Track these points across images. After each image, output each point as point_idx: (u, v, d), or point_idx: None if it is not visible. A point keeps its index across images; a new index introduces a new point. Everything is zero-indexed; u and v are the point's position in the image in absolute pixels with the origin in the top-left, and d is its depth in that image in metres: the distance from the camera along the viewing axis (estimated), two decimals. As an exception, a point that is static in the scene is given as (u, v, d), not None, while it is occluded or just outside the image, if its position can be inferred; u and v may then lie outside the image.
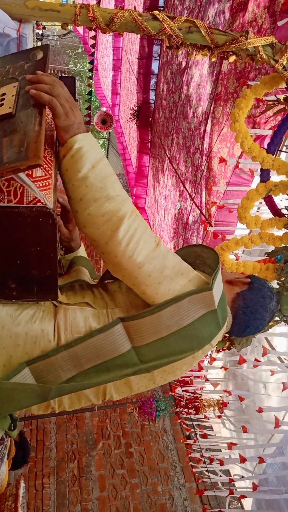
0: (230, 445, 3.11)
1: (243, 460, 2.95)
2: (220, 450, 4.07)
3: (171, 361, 0.99)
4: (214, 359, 3.65)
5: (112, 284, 1.08)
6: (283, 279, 2.06)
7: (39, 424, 4.83)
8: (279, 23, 2.61)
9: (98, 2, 7.95)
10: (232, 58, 1.66)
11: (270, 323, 2.27)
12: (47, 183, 0.86)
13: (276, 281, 2.16)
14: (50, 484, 4.36)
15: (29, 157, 0.79)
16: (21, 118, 0.88)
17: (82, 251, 1.34)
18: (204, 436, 3.95)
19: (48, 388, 0.94)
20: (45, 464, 4.50)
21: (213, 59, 1.72)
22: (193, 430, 4.27)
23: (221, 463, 3.44)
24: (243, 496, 2.90)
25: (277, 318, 2.25)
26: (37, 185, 0.84)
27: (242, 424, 3.52)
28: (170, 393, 4.25)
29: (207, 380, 4.06)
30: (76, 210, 0.91)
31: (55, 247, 0.88)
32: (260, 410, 2.98)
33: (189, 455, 4.11)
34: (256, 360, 3.01)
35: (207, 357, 3.79)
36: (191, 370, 4.05)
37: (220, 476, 3.88)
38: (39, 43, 14.31)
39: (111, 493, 4.34)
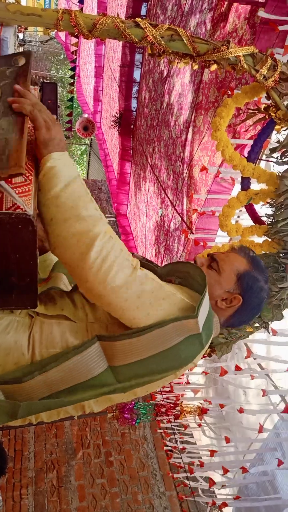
0: (212, 452, 3.11)
1: (225, 471, 2.95)
2: (200, 458, 4.07)
3: (150, 381, 0.96)
4: (195, 365, 3.65)
5: None
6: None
7: (17, 433, 4.73)
8: (259, 13, 2.65)
9: (80, 10, 7.97)
10: (214, 67, 1.68)
11: (250, 329, 2.29)
12: (26, 189, 0.85)
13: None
14: (29, 495, 4.27)
15: (10, 166, 0.78)
16: (2, 125, 0.87)
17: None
18: (183, 449, 3.94)
19: (18, 405, 0.89)
20: (23, 474, 4.41)
21: (195, 67, 1.74)
22: (173, 436, 4.26)
23: (201, 464, 3.43)
24: (225, 505, 2.89)
25: (257, 325, 2.27)
26: (17, 191, 0.83)
27: (222, 430, 3.53)
28: (151, 401, 4.23)
29: (188, 383, 4.05)
30: (47, 230, 0.88)
31: (35, 254, 0.87)
32: (241, 410, 2.99)
33: (169, 460, 4.09)
34: (237, 366, 3.03)
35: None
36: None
37: (200, 484, 3.88)
38: (20, 49, 14.24)
39: (91, 503, 4.27)
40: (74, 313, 0.99)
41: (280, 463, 2.72)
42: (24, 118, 0.89)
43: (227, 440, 3.06)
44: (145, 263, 1.11)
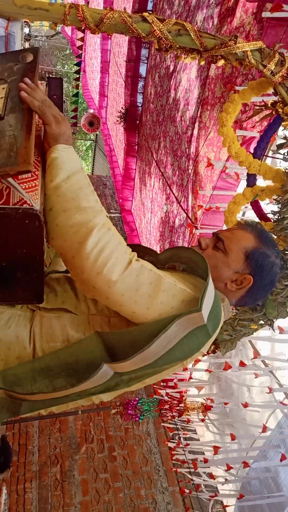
0: (216, 449, 3.11)
1: (229, 468, 2.96)
2: (203, 453, 4.08)
3: (157, 372, 0.94)
4: (199, 360, 3.65)
5: None
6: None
7: (21, 428, 4.77)
8: (264, 14, 2.63)
9: (87, 3, 7.95)
10: (221, 62, 1.66)
11: (255, 326, 2.29)
12: (33, 185, 0.85)
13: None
14: (32, 489, 4.30)
15: (19, 163, 0.78)
16: (10, 121, 0.87)
17: None
18: (187, 445, 3.95)
19: (19, 403, 0.90)
20: (27, 468, 4.44)
21: (202, 63, 1.73)
22: (176, 432, 4.27)
23: (205, 460, 3.44)
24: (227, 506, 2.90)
25: (261, 322, 2.26)
26: (23, 187, 0.83)
27: (225, 427, 3.54)
28: (155, 396, 4.24)
29: (191, 378, 4.05)
30: (46, 220, 0.87)
31: (42, 249, 0.87)
32: (245, 405, 2.99)
33: (173, 457, 4.10)
34: (241, 362, 3.02)
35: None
36: (175, 373, 4.05)
37: (204, 480, 3.89)
38: (26, 44, 14.22)
39: (94, 498, 4.30)
40: (76, 305, 0.97)
41: (283, 457, 2.72)
42: (32, 115, 0.89)
43: (233, 437, 3.06)
44: (144, 251, 1.11)
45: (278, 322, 2.28)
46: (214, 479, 3.20)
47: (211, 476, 3.19)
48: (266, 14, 2.66)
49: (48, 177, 0.88)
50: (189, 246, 1.14)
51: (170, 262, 1.10)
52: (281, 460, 2.73)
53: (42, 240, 0.86)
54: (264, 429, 2.67)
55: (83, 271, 0.84)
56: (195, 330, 0.91)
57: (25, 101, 0.90)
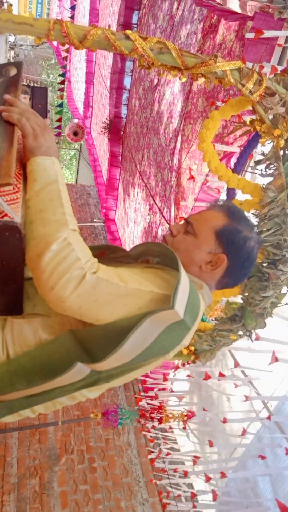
0: (195, 461, 3.13)
1: (208, 479, 2.97)
2: (183, 463, 4.08)
3: (135, 367, 0.94)
4: (178, 367, 3.67)
5: None
6: (247, 294, 2.12)
7: (0, 439, 4.69)
8: (247, 35, 2.72)
9: (72, 16, 7.99)
10: (201, 80, 1.72)
11: (234, 337, 2.33)
12: (15, 197, 0.87)
13: (240, 296, 2.22)
14: (10, 502, 4.22)
15: (0, 175, 0.79)
16: None
17: None
18: (168, 454, 3.95)
19: None
20: (5, 480, 4.37)
21: (183, 80, 1.78)
22: (156, 441, 4.27)
23: (185, 474, 3.45)
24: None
25: (240, 333, 2.30)
26: (5, 199, 0.84)
27: (206, 436, 3.55)
28: (136, 406, 4.24)
29: (172, 391, 4.07)
30: None
31: (22, 262, 0.88)
32: (224, 421, 3.02)
33: (154, 467, 4.09)
34: (220, 373, 3.06)
35: (172, 369, 3.82)
36: (156, 384, 4.06)
37: (184, 491, 3.88)
38: (11, 52, 14.22)
39: (73, 510, 4.25)
40: (48, 308, 0.94)
41: (262, 457, 2.74)
42: (14, 128, 0.91)
43: (211, 444, 3.08)
44: (114, 249, 1.11)
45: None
46: (194, 496, 3.21)
47: (192, 494, 3.21)
48: (249, 35, 2.75)
49: (26, 190, 0.90)
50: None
51: (142, 256, 1.10)
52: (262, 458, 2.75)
53: (23, 252, 0.87)
54: (244, 432, 2.70)
55: (39, 284, 0.84)
56: (173, 326, 0.90)
57: (5, 118, 0.91)
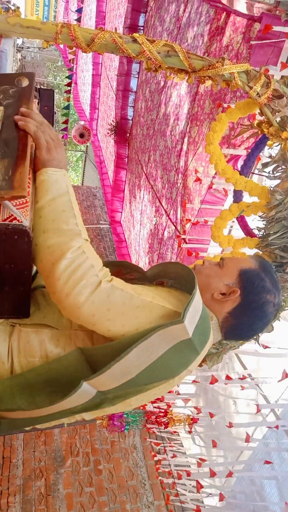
0: (200, 464, 3.11)
1: (213, 474, 2.95)
2: (189, 466, 4.06)
3: (142, 390, 0.93)
4: (191, 372, 3.66)
5: None
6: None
7: (6, 440, 4.70)
8: (253, 42, 2.72)
9: (79, 18, 8.03)
10: (209, 83, 1.71)
11: (240, 342, 2.31)
12: (24, 201, 0.87)
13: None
14: (16, 503, 4.23)
15: (15, 187, 0.80)
16: (6, 144, 0.89)
17: None
18: (174, 456, 3.94)
19: None
20: (11, 482, 4.37)
21: (190, 82, 1.78)
22: (162, 444, 4.26)
23: (188, 474, 3.43)
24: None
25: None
26: (14, 203, 0.85)
27: (211, 440, 3.53)
28: (141, 408, 4.23)
29: (178, 394, 4.06)
30: None
31: (30, 264, 0.88)
32: (230, 425, 3.00)
33: (158, 471, 4.08)
34: (227, 376, 3.04)
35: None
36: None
37: (190, 491, 3.87)
38: (19, 54, 14.31)
39: (79, 512, 4.25)
40: (58, 320, 0.97)
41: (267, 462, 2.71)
42: (27, 139, 0.92)
43: (214, 444, 3.07)
44: (131, 267, 1.12)
45: (263, 336, 2.31)
46: (200, 488, 3.18)
47: (197, 483, 3.18)
48: (254, 42, 2.75)
49: (35, 199, 0.90)
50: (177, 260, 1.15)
51: (157, 278, 1.10)
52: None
53: (31, 256, 0.87)
54: (248, 439, 2.68)
55: (54, 292, 0.86)
56: (181, 345, 0.89)
57: (21, 127, 0.92)
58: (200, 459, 3.30)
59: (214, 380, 2.89)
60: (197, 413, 3.46)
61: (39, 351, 0.93)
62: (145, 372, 0.88)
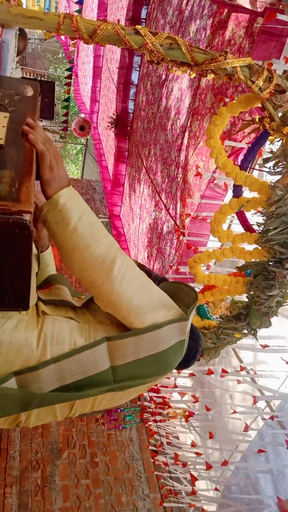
0: (197, 453, 3.13)
1: (209, 467, 2.97)
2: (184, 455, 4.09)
3: (139, 383, 1.05)
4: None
5: (93, 303, 1.12)
6: (252, 293, 2.11)
7: (3, 432, 4.72)
8: (256, 24, 2.69)
9: (80, 10, 7.97)
10: (211, 76, 1.71)
11: (238, 335, 2.32)
12: None
13: (245, 295, 2.21)
14: (12, 494, 4.26)
15: (21, 201, 0.80)
16: (11, 154, 0.89)
17: (49, 253, 1.39)
18: (168, 443, 3.96)
19: (34, 394, 0.95)
20: (7, 473, 4.40)
21: (193, 76, 1.77)
22: (158, 435, 4.28)
23: (184, 465, 3.45)
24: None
25: (245, 331, 2.30)
26: None
27: (207, 434, 3.55)
28: (138, 402, 4.25)
29: (175, 386, 4.08)
30: (70, 257, 0.97)
31: (30, 258, 0.88)
32: (234, 412, 3.02)
33: (155, 459, 4.11)
34: (223, 370, 3.05)
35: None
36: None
37: (185, 485, 3.90)
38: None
39: (75, 503, 4.28)
40: (77, 316, 1.07)
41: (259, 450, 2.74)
42: (33, 153, 0.92)
43: (211, 436, 3.09)
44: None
45: (261, 332, 2.32)
46: (195, 481, 3.21)
47: (191, 476, 3.21)
48: (258, 25, 2.72)
49: (63, 221, 0.94)
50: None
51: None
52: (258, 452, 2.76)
53: (31, 249, 0.87)
54: (246, 428, 2.70)
55: (111, 293, 0.98)
56: (178, 344, 1.05)
57: (30, 140, 0.94)
58: (196, 453, 3.32)
59: (210, 372, 2.91)
60: (194, 402, 3.47)
61: (68, 339, 1.00)
62: (149, 359, 1.01)
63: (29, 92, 1.06)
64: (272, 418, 2.67)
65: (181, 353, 1.09)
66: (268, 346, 2.60)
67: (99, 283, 0.98)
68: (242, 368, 2.80)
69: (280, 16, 2.60)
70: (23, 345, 0.95)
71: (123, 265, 0.98)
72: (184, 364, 1.21)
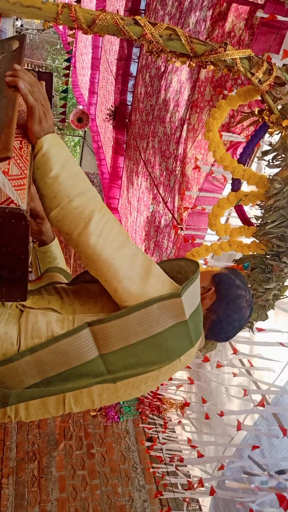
0: (193, 446, 3.15)
1: (200, 455, 2.99)
2: (180, 451, 4.12)
3: (138, 373, 0.97)
4: (184, 366, 3.68)
5: (91, 285, 1.07)
6: (250, 286, 2.12)
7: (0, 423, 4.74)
8: (258, 14, 2.67)
9: (79, 0, 7.90)
10: (210, 68, 1.69)
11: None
12: (22, 183, 0.86)
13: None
14: (9, 485, 4.28)
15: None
16: None
17: (55, 244, 1.35)
18: (164, 444, 3.99)
19: (8, 393, 0.91)
20: (4, 464, 4.42)
21: (192, 67, 1.75)
22: (154, 428, 4.31)
23: (181, 460, 3.48)
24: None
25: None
26: (12, 184, 0.84)
27: (203, 426, 3.58)
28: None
29: (170, 379, 4.09)
30: (50, 206, 0.93)
31: (27, 248, 0.88)
32: (221, 414, 3.03)
33: (150, 453, 4.14)
34: (218, 364, 3.06)
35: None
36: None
37: (181, 477, 3.92)
38: (17, 36, 14.03)
39: (71, 494, 4.31)
40: (61, 306, 1.02)
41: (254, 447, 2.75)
42: (15, 102, 0.89)
43: (207, 416, 3.08)
44: None
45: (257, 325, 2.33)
46: (191, 488, 3.24)
47: (188, 482, 3.24)
48: (259, 14, 2.69)
49: (45, 167, 0.92)
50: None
51: None
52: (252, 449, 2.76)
53: (28, 239, 0.87)
54: (239, 426, 2.71)
55: (89, 246, 0.92)
56: (178, 329, 0.96)
57: (21, 93, 0.90)
58: (191, 446, 3.34)
59: (206, 359, 2.91)
60: (189, 383, 3.47)
61: (45, 332, 0.96)
62: (143, 345, 0.94)
63: (15, 45, 1.03)
64: (263, 404, 2.67)
65: (188, 339, 0.99)
66: (264, 330, 2.59)
67: (76, 234, 0.92)
68: (235, 351, 2.78)
69: (280, 18, 2.59)
70: (2, 339, 0.94)
71: (103, 219, 0.93)
72: (226, 338, 1.15)
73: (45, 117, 0.94)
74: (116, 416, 4.01)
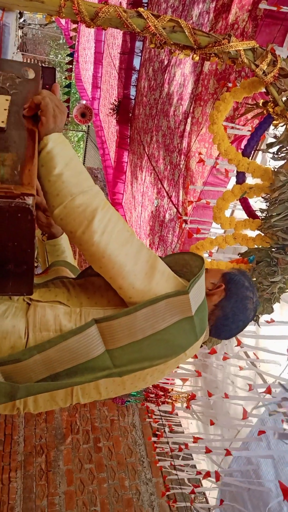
0: (196, 439, 3.16)
1: (208, 451, 3.00)
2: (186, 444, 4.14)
3: (144, 367, 0.99)
4: (188, 357, 3.69)
5: (97, 279, 1.08)
6: (255, 279, 2.11)
7: (7, 418, 4.78)
8: (261, 5, 2.65)
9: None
10: (214, 60, 1.68)
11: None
12: None
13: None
14: (17, 478, 4.33)
15: (24, 184, 0.80)
16: (14, 137, 0.89)
17: (64, 238, 1.36)
18: (171, 429, 4.00)
19: (17, 386, 0.92)
20: (12, 458, 4.47)
21: (196, 59, 1.74)
22: (160, 421, 4.32)
23: (186, 446, 3.49)
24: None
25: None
26: None
27: (209, 418, 3.59)
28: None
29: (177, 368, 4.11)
30: (53, 204, 0.94)
31: (33, 242, 0.88)
32: (226, 396, 3.03)
33: (156, 450, 4.16)
34: (224, 356, 3.07)
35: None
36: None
37: (187, 472, 3.95)
38: (20, 32, 14.00)
39: (78, 488, 4.34)
40: (68, 299, 1.03)
41: (260, 433, 2.75)
42: (35, 135, 0.92)
43: (212, 423, 3.11)
44: None
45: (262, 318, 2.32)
46: (198, 474, 3.26)
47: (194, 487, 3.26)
48: (263, 6, 2.66)
49: (49, 165, 0.93)
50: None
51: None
52: (258, 434, 2.77)
53: (34, 233, 0.87)
54: (245, 414, 2.71)
55: (92, 244, 0.93)
56: (184, 324, 0.97)
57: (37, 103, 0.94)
58: (194, 437, 3.36)
59: (213, 351, 2.92)
60: (197, 376, 3.47)
61: (53, 325, 0.97)
62: (149, 340, 0.95)
63: (31, 74, 1.05)
64: (269, 391, 2.67)
65: (193, 333, 1.00)
66: (274, 322, 2.58)
67: (79, 232, 0.93)
68: (239, 342, 2.78)
69: (285, 9, 2.56)
70: (10, 332, 0.95)
71: (106, 216, 0.93)
72: (229, 336, 1.16)
73: (59, 115, 0.96)
74: (122, 400, 4.02)
